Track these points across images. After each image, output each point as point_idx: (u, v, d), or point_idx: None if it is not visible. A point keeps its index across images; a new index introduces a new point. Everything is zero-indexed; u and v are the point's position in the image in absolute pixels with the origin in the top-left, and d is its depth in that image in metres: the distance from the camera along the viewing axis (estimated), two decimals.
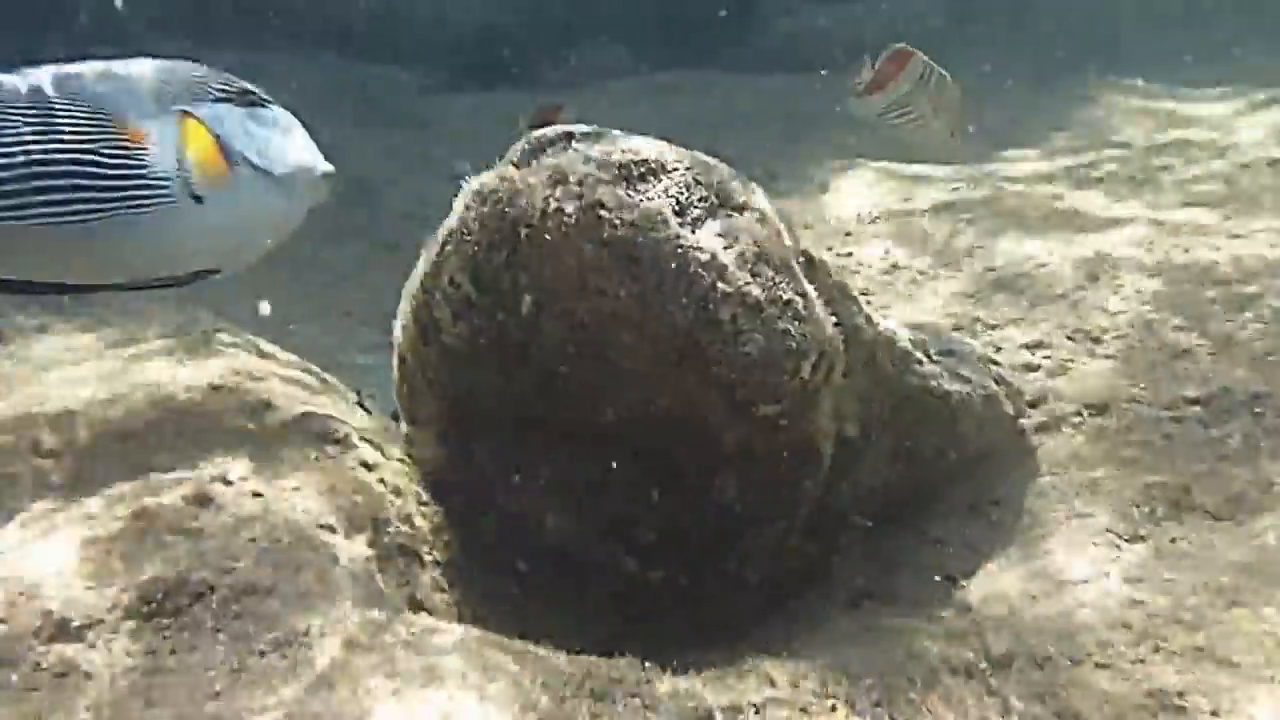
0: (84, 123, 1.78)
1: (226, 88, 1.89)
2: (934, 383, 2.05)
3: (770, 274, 1.64)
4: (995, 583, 1.89)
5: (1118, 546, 1.89)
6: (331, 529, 1.74)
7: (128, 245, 1.82)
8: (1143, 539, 1.91)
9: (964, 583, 1.93)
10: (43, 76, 1.80)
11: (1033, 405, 2.33)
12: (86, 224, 1.78)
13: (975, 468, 2.15)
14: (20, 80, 1.79)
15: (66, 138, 1.76)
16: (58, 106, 1.78)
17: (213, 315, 2.79)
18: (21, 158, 1.75)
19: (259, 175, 1.88)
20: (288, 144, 1.92)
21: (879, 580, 2.04)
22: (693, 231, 1.67)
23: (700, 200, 1.70)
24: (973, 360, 2.19)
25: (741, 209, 1.71)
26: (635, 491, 1.89)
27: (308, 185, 1.95)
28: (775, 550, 1.94)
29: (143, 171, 1.80)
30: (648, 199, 1.68)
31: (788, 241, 1.75)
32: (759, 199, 1.75)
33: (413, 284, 1.91)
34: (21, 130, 1.76)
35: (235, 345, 2.32)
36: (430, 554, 1.94)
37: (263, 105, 1.92)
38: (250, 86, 1.93)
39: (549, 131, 1.91)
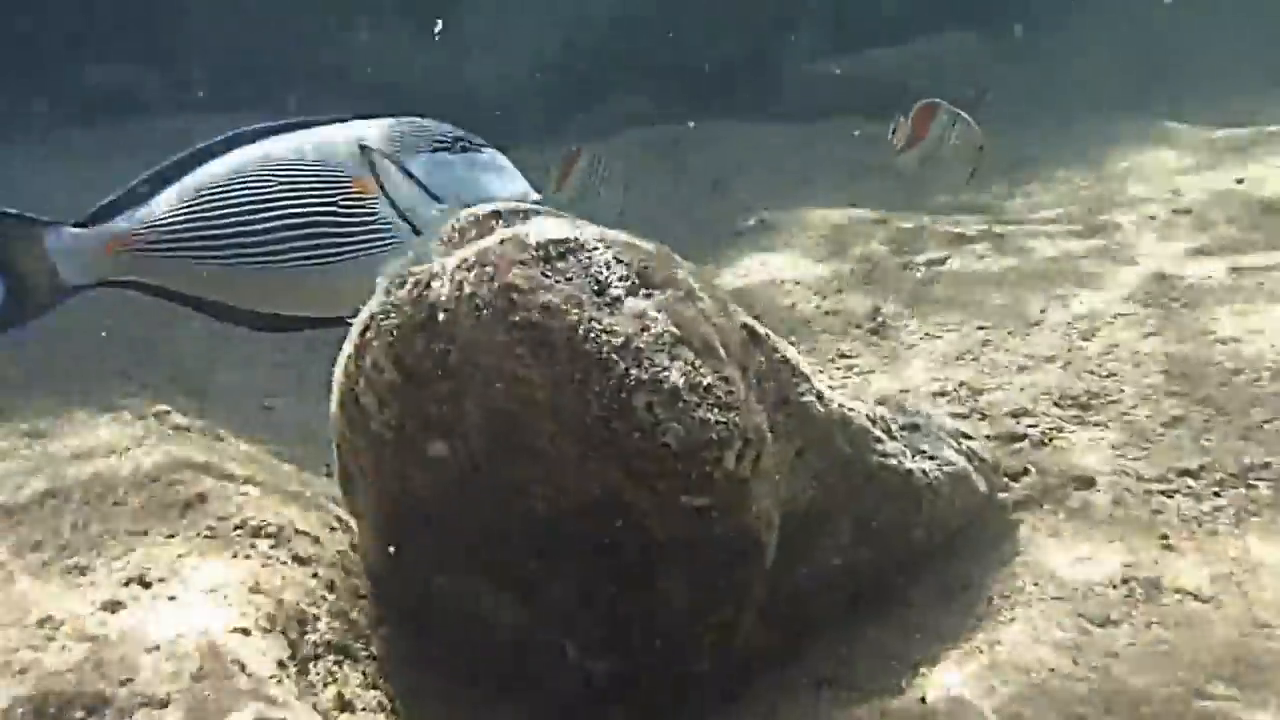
0: (324, 181, 2.10)
1: (443, 137, 2.19)
2: (895, 461, 1.95)
3: (690, 357, 1.56)
4: (956, 673, 1.77)
5: (1088, 632, 1.76)
6: (245, 632, 1.66)
7: (364, 282, 2.05)
8: (1115, 624, 1.78)
9: (925, 671, 1.82)
10: (291, 142, 2.13)
11: (1014, 478, 2.21)
12: (329, 267, 2.11)
13: (947, 548, 2.03)
14: (273, 147, 2.12)
15: (311, 195, 2.09)
16: (303, 168, 2.11)
17: (186, 398, 2.77)
18: (278, 215, 2.08)
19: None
20: (494, 181, 2.19)
21: (841, 667, 1.93)
22: (611, 313, 1.59)
23: (620, 280, 1.62)
24: (941, 435, 2.08)
25: (664, 287, 1.63)
26: (575, 583, 1.80)
27: None
28: (724, 640, 1.83)
29: (372, 219, 2.11)
30: (564, 280, 1.61)
31: (717, 319, 1.66)
32: (684, 276, 1.67)
33: (339, 369, 1.85)
34: (276, 191, 2.09)
35: (189, 430, 2.28)
36: (365, 650, 1.86)
37: (475, 149, 2.20)
38: (463, 134, 2.21)
39: (478, 210, 1.84)
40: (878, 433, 1.97)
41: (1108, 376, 2.43)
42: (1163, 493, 2.10)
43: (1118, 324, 2.60)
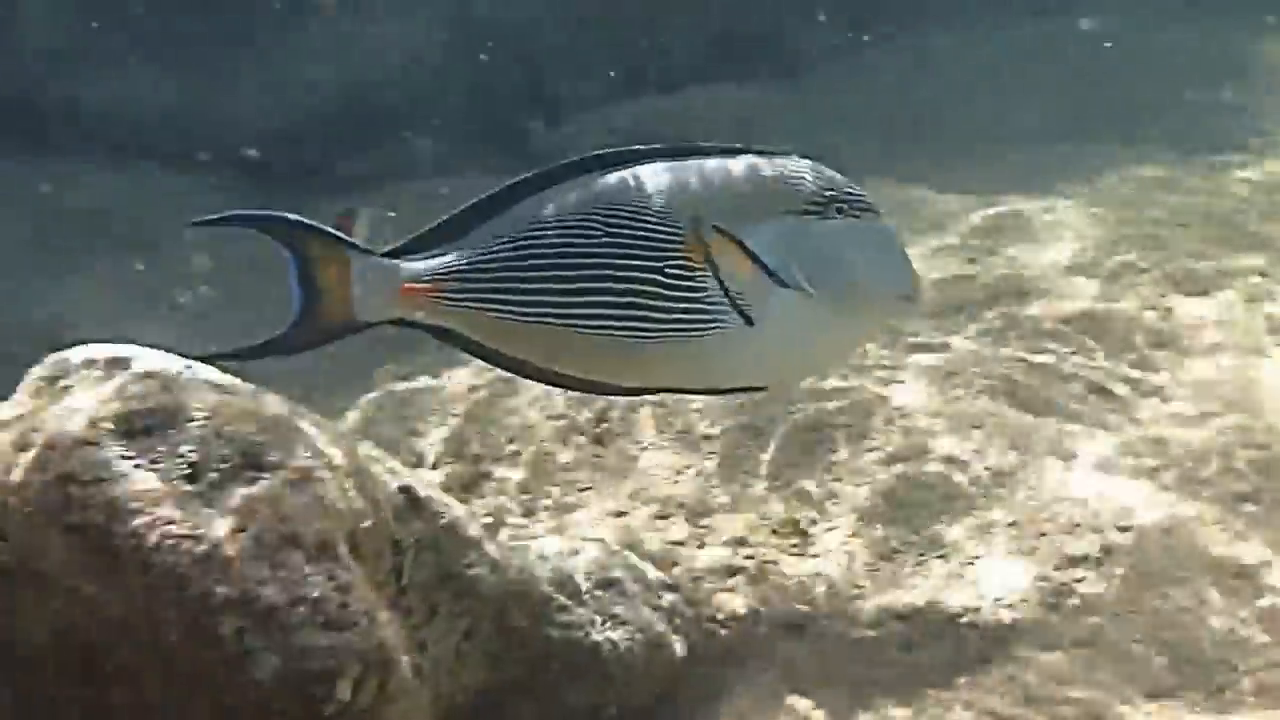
0: (656, 237, 1.74)
1: (818, 196, 1.78)
2: (579, 633, 1.72)
3: (298, 562, 1.28)
4: None
5: None
6: None
7: (672, 363, 1.79)
8: None
9: None
10: (628, 183, 1.76)
11: (723, 625, 2.02)
12: (635, 343, 1.76)
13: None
14: (604, 189, 1.76)
15: (636, 251, 1.73)
16: (639, 213, 1.75)
17: None
18: (592, 275, 1.73)
19: (815, 298, 1.77)
20: (864, 265, 1.79)
21: None
22: (206, 506, 1.30)
23: (222, 461, 1.33)
24: (639, 591, 1.86)
25: (277, 468, 1.35)
26: None
27: (876, 306, 1.86)
28: None
29: (696, 298, 1.75)
30: (146, 463, 1.30)
31: (344, 501, 1.39)
32: (306, 450, 1.38)
33: None
34: (599, 237, 1.74)
35: None
36: None
37: (855, 214, 1.79)
38: (846, 190, 1.80)
39: (73, 354, 1.51)
40: (563, 599, 1.74)
41: (827, 499, 2.29)
42: (875, 641, 1.95)
43: (840, 435, 2.48)
